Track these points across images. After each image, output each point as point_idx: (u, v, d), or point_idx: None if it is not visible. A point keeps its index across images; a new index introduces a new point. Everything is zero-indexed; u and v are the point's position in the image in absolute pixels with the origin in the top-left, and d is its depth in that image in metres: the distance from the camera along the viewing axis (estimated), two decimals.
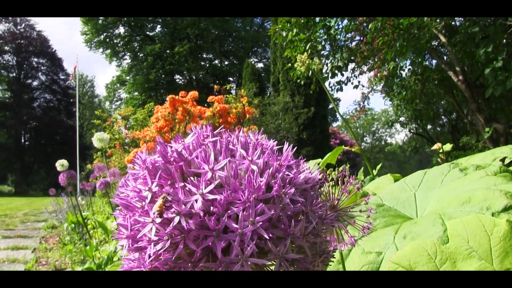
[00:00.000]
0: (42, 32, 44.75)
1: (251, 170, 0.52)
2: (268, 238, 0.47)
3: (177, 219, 0.48)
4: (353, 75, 10.17)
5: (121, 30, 34.23)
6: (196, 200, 0.49)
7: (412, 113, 12.26)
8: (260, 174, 0.52)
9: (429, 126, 22.30)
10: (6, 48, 43.28)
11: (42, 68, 45.34)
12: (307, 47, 8.25)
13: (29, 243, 8.16)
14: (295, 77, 8.69)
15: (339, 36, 9.15)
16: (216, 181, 0.50)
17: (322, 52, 9.35)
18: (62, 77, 45.95)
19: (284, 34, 8.67)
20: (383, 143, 51.13)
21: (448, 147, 3.35)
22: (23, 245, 7.90)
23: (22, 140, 44.52)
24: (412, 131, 22.74)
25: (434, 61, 12.07)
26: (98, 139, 4.74)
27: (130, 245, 0.53)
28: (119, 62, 35.65)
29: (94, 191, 10.45)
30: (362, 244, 1.43)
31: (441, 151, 3.33)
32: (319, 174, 0.57)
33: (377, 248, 1.38)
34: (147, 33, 34.69)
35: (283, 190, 0.51)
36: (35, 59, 45.07)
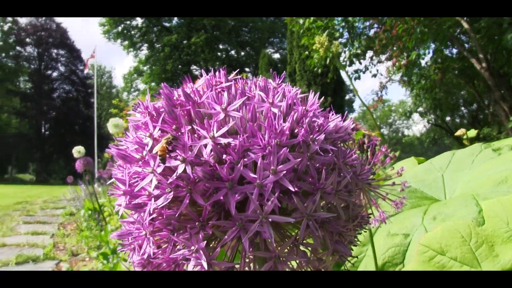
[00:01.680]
0: (61, 24, 45.18)
1: (272, 113, 0.43)
2: (293, 191, 0.38)
3: (181, 167, 0.39)
4: (371, 63, 9.98)
5: (139, 21, 34.26)
6: (206, 145, 0.41)
7: (431, 102, 12.00)
8: (283, 119, 0.43)
9: (448, 118, 21.94)
10: (28, 40, 43.80)
11: (62, 59, 45.84)
12: (325, 35, 8.09)
13: (48, 229, 8.24)
14: (312, 66, 8.54)
15: (357, 24, 8.97)
16: (229, 125, 0.42)
17: (340, 39, 9.18)
18: (81, 68, 46.35)
19: (301, 21, 8.52)
20: (400, 134, 50.53)
21: (472, 133, 3.22)
22: (42, 231, 7.98)
23: (42, 130, 45.14)
24: (430, 122, 22.38)
25: (454, 50, 11.80)
26: (113, 124, 4.70)
27: (128, 202, 0.44)
28: (136, 53, 35.72)
29: (111, 179, 10.52)
30: (387, 226, 1.34)
31: (465, 137, 3.20)
32: (352, 123, 0.48)
33: (404, 230, 1.28)
34: (164, 24, 34.63)
35: (311, 136, 0.42)
36: (55, 51, 45.57)
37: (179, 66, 32.67)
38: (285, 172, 0.39)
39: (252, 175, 0.39)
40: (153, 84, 32.92)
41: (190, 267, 0.39)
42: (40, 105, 43.10)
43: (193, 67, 33.36)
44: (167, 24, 34.60)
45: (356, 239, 0.47)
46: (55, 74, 45.89)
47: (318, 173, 0.42)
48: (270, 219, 0.38)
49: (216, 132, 0.41)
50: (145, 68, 34.79)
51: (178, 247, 0.41)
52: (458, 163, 1.66)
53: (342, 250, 0.42)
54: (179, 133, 0.43)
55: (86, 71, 34.94)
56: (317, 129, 0.44)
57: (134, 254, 0.46)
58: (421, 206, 1.40)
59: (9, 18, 41.99)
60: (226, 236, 0.38)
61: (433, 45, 8.95)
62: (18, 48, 43.71)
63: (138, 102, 0.49)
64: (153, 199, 0.41)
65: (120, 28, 34.04)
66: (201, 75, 0.53)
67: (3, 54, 42.21)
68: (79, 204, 9.43)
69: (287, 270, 0.41)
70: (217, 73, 0.52)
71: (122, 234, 0.46)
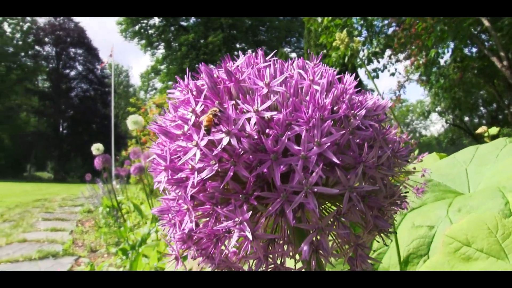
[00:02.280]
0: (79, 23, 45.69)
1: (313, 89, 0.44)
2: (337, 162, 0.39)
3: (226, 139, 0.40)
4: (389, 62, 9.90)
5: (156, 20, 34.47)
6: (249, 119, 0.41)
7: (450, 101, 11.87)
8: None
9: (466, 118, 21.67)
10: (46, 39, 44.41)
11: (79, 58, 46.39)
12: (344, 32, 8.05)
13: (67, 226, 8.34)
14: (330, 64, 8.50)
15: (376, 22, 8.91)
16: (272, 99, 0.42)
17: (358, 38, 9.12)
18: (98, 66, 46.85)
19: (319, 20, 8.49)
20: (417, 135, 50.07)
21: (494, 130, 3.18)
22: (61, 227, 8.08)
23: (60, 129, 45.70)
24: (449, 122, 22.13)
25: (474, 49, 11.65)
26: (132, 121, 4.73)
27: (170, 177, 0.45)
28: (153, 52, 35.95)
29: (129, 177, 10.58)
30: (411, 218, 1.33)
31: (486, 134, 3.16)
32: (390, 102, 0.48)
33: (428, 222, 1.27)
34: (181, 23, 34.81)
35: (352, 111, 0.43)
36: (73, 50, 46.15)
37: (196, 65, 32.73)
38: (329, 144, 0.39)
39: (296, 147, 0.40)
40: (170, 83, 33.11)
41: (233, 239, 0.39)
42: (58, 104, 43.67)
43: (211, 66, 33.46)
44: (184, 23, 34.78)
45: (394, 217, 0.48)
46: (73, 73, 46.51)
47: (359, 148, 0.42)
48: (315, 190, 0.38)
49: (260, 106, 0.41)
50: (162, 67, 35.01)
51: (220, 220, 0.41)
52: (482, 158, 1.64)
53: (382, 225, 0.43)
54: (223, 108, 0.43)
55: (100, 68, 35.26)
56: (357, 105, 0.44)
57: (174, 229, 0.46)
58: (445, 199, 1.39)
59: (28, 18, 42.66)
60: (270, 208, 0.39)
61: (452, 44, 8.86)
62: (36, 47, 44.36)
63: (177, 80, 0.50)
64: (196, 172, 0.42)
65: (137, 27, 34.30)
66: (237, 58, 0.53)
67: (22, 54, 42.87)
68: (97, 201, 9.54)
69: (325, 245, 0.41)
70: (254, 54, 0.53)
71: (163, 210, 0.47)
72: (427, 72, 9.73)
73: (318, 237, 0.41)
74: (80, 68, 46.53)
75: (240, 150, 0.40)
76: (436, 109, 17.16)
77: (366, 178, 0.42)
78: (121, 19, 34.27)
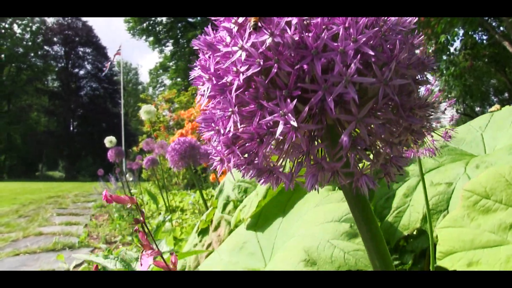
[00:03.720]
0: (87, 22, 45.99)
1: None
2: (372, 54, 0.42)
3: (269, 39, 0.44)
4: None
5: (163, 18, 34.56)
6: (290, 22, 0.45)
7: (461, 89, 11.81)
8: None
9: (477, 108, 21.51)
10: (55, 39, 44.78)
11: (88, 57, 46.71)
12: None
13: (81, 220, 8.42)
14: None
15: None
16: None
17: None
18: (106, 66, 47.14)
19: None
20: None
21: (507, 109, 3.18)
22: (75, 221, 8.16)
23: (71, 128, 46.04)
24: (459, 111, 22.00)
25: (484, 37, 11.58)
26: (145, 111, 4.80)
27: (214, 82, 0.48)
28: (161, 49, 36.05)
29: (140, 173, 10.66)
30: (429, 178, 1.36)
31: None
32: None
33: (446, 179, 1.30)
34: (189, 20, 34.87)
35: (382, 18, 0.46)
36: (81, 49, 46.47)
37: None
38: (364, 39, 0.43)
39: (335, 43, 0.43)
40: (178, 79, 33.19)
41: (278, 130, 0.43)
42: (68, 103, 44.01)
43: None
44: (191, 20, 34.83)
45: (427, 127, 0.51)
46: (82, 72, 46.83)
47: (390, 51, 0.46)
48: (353, 80, 0.42)
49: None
50: (170, 63, 35.11)
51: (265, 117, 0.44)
52: (497, 123, 1.67)
53: (415, 121, 0.46)
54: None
55: (106, 70, 35.44)
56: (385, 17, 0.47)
57: (218, 135, 0.50)
58: (462, 160, 1.42)
59: (37, 19, 43.02)
60: (312, 99, 0.42)
61: (462, 31, 8.81)
62: (45, 47, 44.72)
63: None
64: (241, 74, 0.45)
65: (145, 25, 34.41)
66: None
67: (32, 54, 43.26)
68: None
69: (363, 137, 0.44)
70: None
71: (206, 118, 0.50)
72: (437, 60, 9.67)
73: (357, 130, 0.44)
74: (89, 67, 46.87)
75: (283, 47, 0.44)
76: (448, 97, 17.02)
77: (398, 75, 0.45)
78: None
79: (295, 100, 0.42)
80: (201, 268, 1.44)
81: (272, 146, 0.49)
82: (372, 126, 0.45)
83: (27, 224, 7.27)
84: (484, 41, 11.05)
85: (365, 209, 0.54)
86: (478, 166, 1.30)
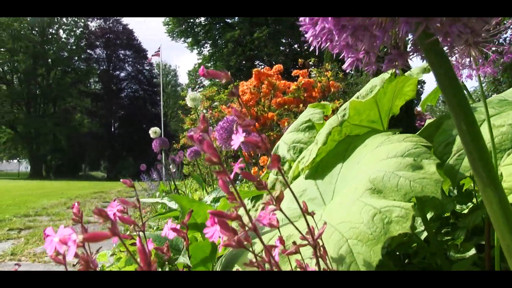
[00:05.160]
0: (128, 25, 47.16)
1: None
2: None
3: None
4: None
5: (202, 19, 34.95)
6: None
7: (511, 81, 11.36)
8: None
9: None
10: (97, 43, 46.14)
11: (128, 59, 47.85)
12: None
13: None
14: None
15: None
16: None
17: None
18: (147, 67, 48.19)
19: None
20: None
21: None
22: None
23: (112, 129, 47.18)
24: None
25: None
26: (191, 98, 4.83)
27: None
28: (200, 50, 36.45)
29: (182, 168, 10.80)
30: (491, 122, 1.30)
31: None
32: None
33: (509, 121, 1.24)
34: (227, 20, 35.15)
35: None
36: (122, 52, 47.64)
37: (243, 62, 33.00)
38: None
39: None
40: (217, 80, 33.43)
41: None
42: (109, 105, 45.20)
43: (257, 62, 33.61)
44: (229, 21, 35.09)
45: None
46: (122, 74, 47.96)
47: None
48: None
49: None
50: (209, 64, 35.49)
51: None
52: None
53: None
54: None
55: (147, 63, 35.99)
56: None
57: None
58: None
59: (81, 23, 44.41)
60: None
61: None
62: (88, 51, 46.14)
63: None
64: None
65: (183, 26, 34.90)
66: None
67: (76, 57, 44.69)
68: (154, 188, 9.78)
69: None
70: None
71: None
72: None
73: None
74: (129, 69, 47.98)
75: None
76: (496, 90, 16.46)
77: None
78: (168, 19, 34.98)
79: None
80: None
81: None
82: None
83: None
84: None
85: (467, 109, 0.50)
86: None
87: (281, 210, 0.58)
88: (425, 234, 1.31)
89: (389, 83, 1.33)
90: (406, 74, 1.38)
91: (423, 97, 2.10)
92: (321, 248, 0.62)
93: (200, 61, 36.18)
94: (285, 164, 1.77)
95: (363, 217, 0.83)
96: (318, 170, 1.35)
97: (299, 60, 9.86)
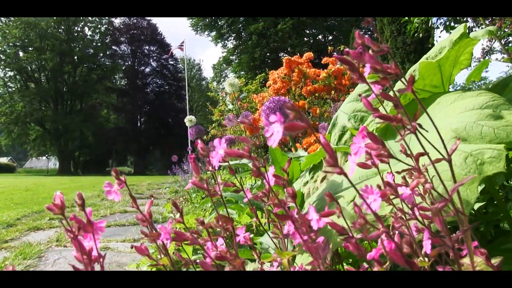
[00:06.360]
0: (151, 21, 47.52)
1: None
2: None
3: None
4: (474, 24, 9.40)
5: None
6: None
7: None
8: None
9: None
10: (122, 39, 46.67)
11: (153, 55, 48.28)
12: None
13: (158, 202, 8.77)
14: (412, 31, 8.24)
15: None
16: None
17: None
18: (171, 62, 48.55)
19: None
20: None
21: None
22: (154, 203, 8.50)
23: (138, 124, 47.68)
24: None
25: None
26: (229, 83, 4.88)
27: None
28: (224, 43, 36.55)
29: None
30: None
31: None
32: None
33: None
34: None
35: None
36: (146, 47, 48.08)
37: (267, 54, 32.95)
38: None
39: None
40: (242, 72, 33.50)
41: None
42: (135, 100, 45.70)
43: (281, 54, 33.47)
44: None
45: None
46: (147, 69, 48.47)
47: None
48: None
49: None
50: (233, 57, 35.54)
51: None
52: None
53: None
54: None
55: (169, 56, 36.20)
56: None
57: None
58: None
59: (105, 20, 44.97)
60: None
61: None
62: (113, 47, 46.70)
63: None
64: None
65: (207, 20, 35.00)
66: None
67: (101, 54, 45.31)
68: (187, 179, 9.90)
69: None
70: None
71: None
72: None
73: None
74: (154, 64, 48.45)
75: None
76: None
77: None
78: None
79: None
80: (326, 185, 1.46)
81: None
82: None
83: (111, 204, 7.70)
84: None
85: None
86: None
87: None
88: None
89: (454, 46, 1.35)
90: (471, 35, 1.40)
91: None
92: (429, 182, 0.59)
93: (224, 54, 36.29)
94: (345, 134, 1.81)
95: (455, 160, 0.86)
96: (388, 132, 1.39)
97: (329, 47, 9.83)
